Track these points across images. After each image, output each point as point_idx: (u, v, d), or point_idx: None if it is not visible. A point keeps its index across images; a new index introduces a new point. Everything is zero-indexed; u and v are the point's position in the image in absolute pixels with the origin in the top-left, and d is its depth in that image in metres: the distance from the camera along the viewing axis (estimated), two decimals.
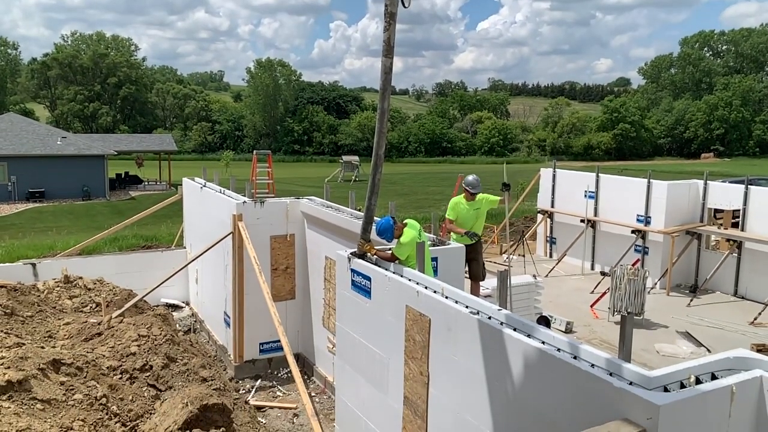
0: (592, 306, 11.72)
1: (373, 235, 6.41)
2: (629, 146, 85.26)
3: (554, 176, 15.66)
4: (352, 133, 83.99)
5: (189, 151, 78.33)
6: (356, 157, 50.71)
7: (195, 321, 12.37)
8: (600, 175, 14.54)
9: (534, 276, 11.22)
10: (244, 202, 9.85)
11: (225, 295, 10.35)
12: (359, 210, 8.40)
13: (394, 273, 5.94)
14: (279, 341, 8.31)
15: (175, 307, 12.82)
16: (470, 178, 9.56)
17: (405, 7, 4.99)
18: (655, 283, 12.76)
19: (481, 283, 9.49)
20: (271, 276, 9.94)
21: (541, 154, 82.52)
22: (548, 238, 16.20)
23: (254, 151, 17.54)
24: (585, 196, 14.60)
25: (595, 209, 14.51)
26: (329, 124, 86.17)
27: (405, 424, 5.63)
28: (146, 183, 44.47)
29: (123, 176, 44.31)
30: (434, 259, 6.68)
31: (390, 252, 6.47)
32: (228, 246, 9.87)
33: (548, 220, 15.99)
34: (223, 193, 10.83)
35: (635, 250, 13.35)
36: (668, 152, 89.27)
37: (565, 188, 15.46)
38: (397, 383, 5.69)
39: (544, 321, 10.25)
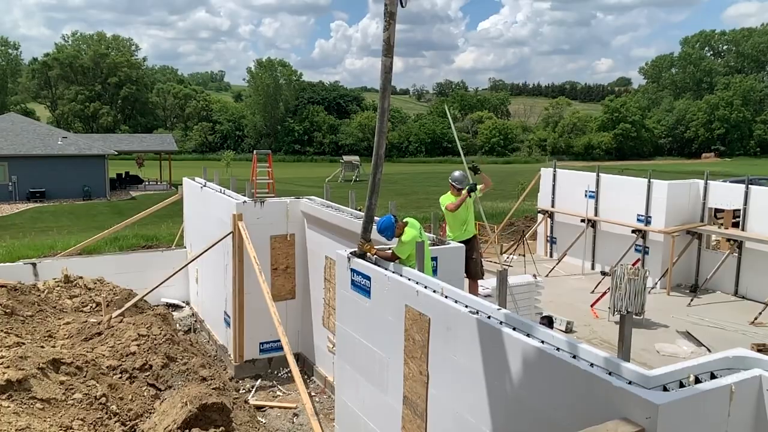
0: (592, 306, 11.72)
1: (374, 234, 6.41)
2: (630, 146, 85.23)
3: (555, 176, 15.66)
4: (352, 133, 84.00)
5: (189, 151, 78.29)
6: (357, 157, 50.68)
7: (195, 321, 12.37)
8: (600, 174, 14.53)
9: (534, 276, 11.21)
10: (244, 201, 9.86)
11: (225, 294, 10.35)
12: (359, 210, 8.40)
13: (393, 272, 5.94)
14: (279, 341, 8.31)
15: (176, 307, 12.83)
16: (456, 173, 9.53)
17: (402, 6, 5.00)
18: (656, 283, 12.76)
19: (481, 282, 9.48)
20: (271, 276, 9.94)
21: (541, 154, 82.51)
22: (548, 238, 16.19)
23: (254, 151, 17.54)
24: (585, 195, 14.60)
25: (596, 209, 14.51)
26: (330, 124, 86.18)
27: (404, 424, 5.63)
28: (147, 183, 44.48)
29: (123, 176, 44.32)
30: (434, 259, 6.68)
31: (390, 251, 6.47)
32: (228, 246, 9.87)
33: (548, 219, 15.98)
34: (223, 193, 10.83)
35: (635, 249, 13.34)
36: (669, 152, 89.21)
37: (565, 188, 15.46)
38: (397, 383, 5.69)
39: (548, 320, 10.23)
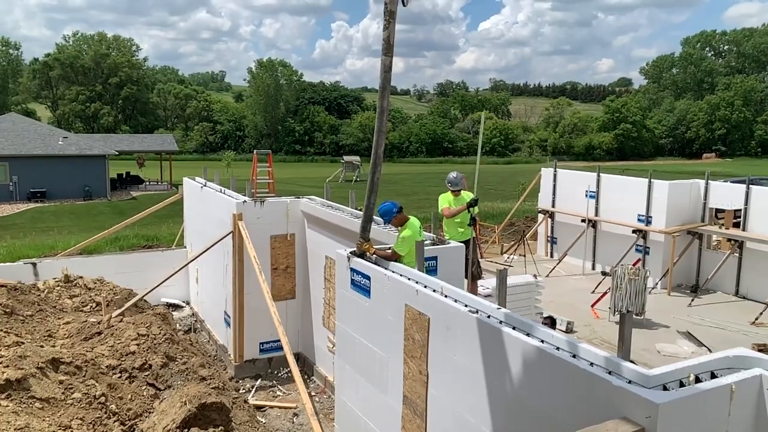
0: (592, 306, 11.70)
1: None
2: (631, 146, 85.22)
3: (555, 176, 15.64)
4: (353, 133, 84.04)
5: (190, 151, 78.31)
6: (357, 158, 50.67)
7: (195, 320, 12.36)
8: (601, 174, 14.51)
9: (534, 276, 11.19)
10: (245, 201, 9.85)
11: (225, 294, 10.34)
12: (359, 210, 8.39)
13: (393, 272, 5.93)
14: (279, 341, 8.30)
15: (176, 307, 12.82)
16: (451, 175, 9.48)
17: (404, 5, 4.98)
18: (656, 283, 12.74)
19: (481, 282, 9.47)
20: (271, 275, 9.93)
21: (542, 155, 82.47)
22: (549, 238, 16.17)
23: (255, 151, 17.53)
24: (586, 195, 14.58)
25: (596, 209, 14.49)
26: (330, 124, 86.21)
27: (404, 424, 5.62)
28: (147, 183, 44.51)
29: (124, 176, 44.36)
30: (434, 259, 6.66)
31: (390, 250, 6.47)
32: (228, 245, 9.86)
33: (549, 219, 15.96)
34: (224, 193, 10.82)
35: (636, 249, 13.32)
36: (670, 152, 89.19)
37: (566, 188, 15.44)
38: (397, 382, 5.68)
39: (550, 321, 10.21)
